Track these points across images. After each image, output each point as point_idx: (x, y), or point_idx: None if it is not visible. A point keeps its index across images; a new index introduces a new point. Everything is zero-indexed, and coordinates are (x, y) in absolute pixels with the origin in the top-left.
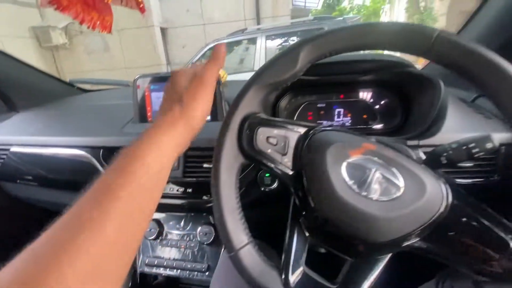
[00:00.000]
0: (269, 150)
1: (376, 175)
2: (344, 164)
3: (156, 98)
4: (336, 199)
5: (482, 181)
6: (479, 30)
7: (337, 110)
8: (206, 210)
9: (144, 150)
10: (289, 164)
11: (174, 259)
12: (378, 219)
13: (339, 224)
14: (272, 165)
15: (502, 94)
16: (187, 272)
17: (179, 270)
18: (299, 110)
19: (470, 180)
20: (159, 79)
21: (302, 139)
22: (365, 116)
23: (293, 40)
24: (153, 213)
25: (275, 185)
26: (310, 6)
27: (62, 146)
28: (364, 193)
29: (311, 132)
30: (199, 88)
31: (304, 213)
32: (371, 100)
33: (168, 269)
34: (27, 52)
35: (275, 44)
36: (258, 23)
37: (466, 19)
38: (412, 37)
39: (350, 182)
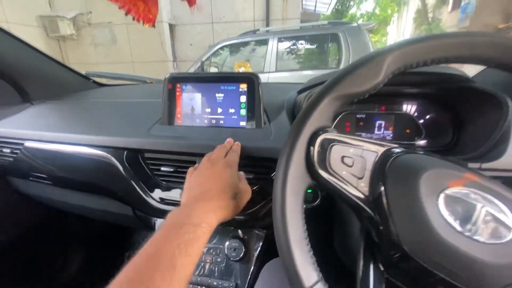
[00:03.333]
0: (344, 172)
1: (482, 212)
2: (442, 196)
3: (188, 99)
4: (432, 237)
5: None
6: None
7: (378, 122)
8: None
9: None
10: (365, 189)
11: (198, 275)
12: (487, 265)
13: (433, 267)
14: (344, 190)
15: None
16: None
17: (203, 287)
18: (336, 120)
19: None
20: (192, 79)
21: (380, 161)
22: (408, 131)
23: (302, 43)
24: None
25: (318, 201)
26: (320, 11)
27: (82, 145)
28: (467, 234)
29: (392, 154)
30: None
31: (382, 246)
32: (416, 114)
33: (191, 286)
34: (33, 41)
35: (284, 47)
36: (267, 25)
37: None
38: None
39: (451, 219)
